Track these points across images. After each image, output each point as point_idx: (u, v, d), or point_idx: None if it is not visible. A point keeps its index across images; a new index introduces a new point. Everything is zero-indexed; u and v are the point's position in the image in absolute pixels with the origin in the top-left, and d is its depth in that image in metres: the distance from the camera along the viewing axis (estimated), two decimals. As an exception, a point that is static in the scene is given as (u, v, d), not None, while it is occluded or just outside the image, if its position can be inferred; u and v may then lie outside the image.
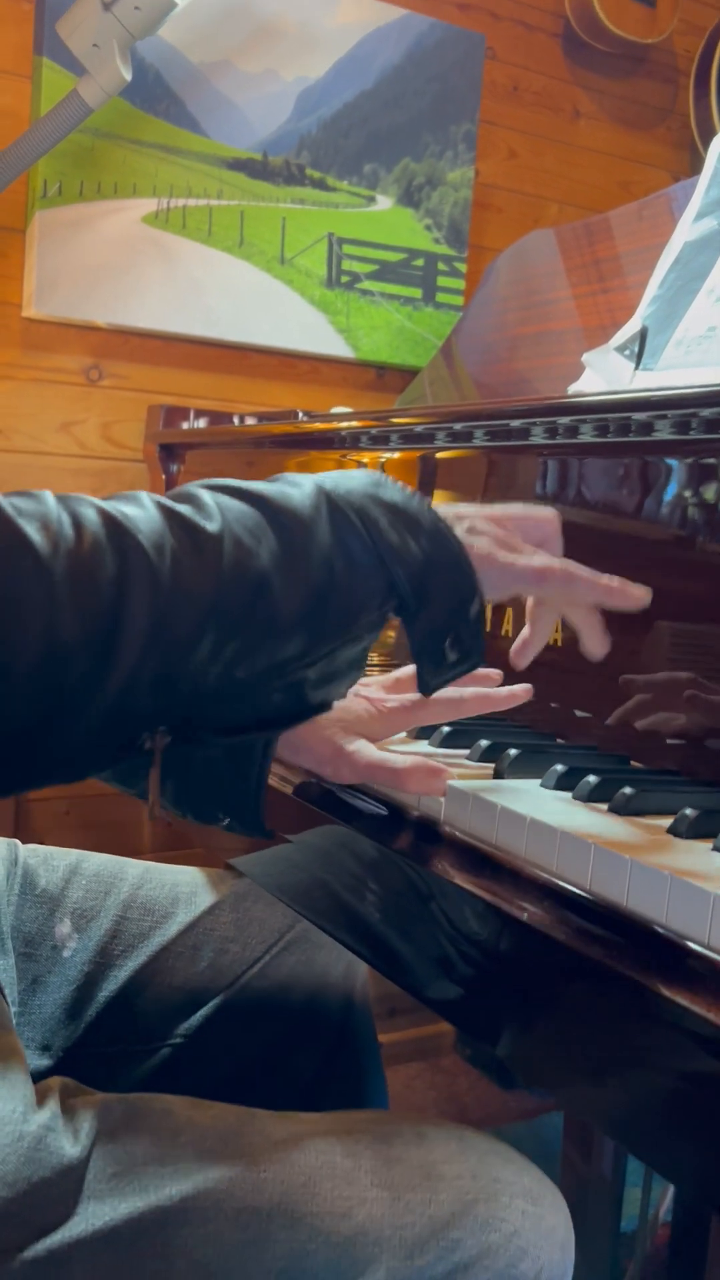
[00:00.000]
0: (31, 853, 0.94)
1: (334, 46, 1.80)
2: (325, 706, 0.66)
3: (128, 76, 1.31)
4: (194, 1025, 0.89)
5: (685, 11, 2.09)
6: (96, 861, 0.95)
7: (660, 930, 0.55)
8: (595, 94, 2.13)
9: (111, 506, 0.56)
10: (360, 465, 1.19)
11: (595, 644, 0.71)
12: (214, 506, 0.59)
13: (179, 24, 1.61)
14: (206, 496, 0.59)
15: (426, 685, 0.67)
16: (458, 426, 1.01)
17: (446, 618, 0.64)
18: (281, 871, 0.87)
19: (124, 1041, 0.88)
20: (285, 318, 1.82)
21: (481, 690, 0.78)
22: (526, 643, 0.73)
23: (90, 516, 0.55)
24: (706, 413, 0.76)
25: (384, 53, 1.84)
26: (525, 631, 0.74)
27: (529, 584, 0.67)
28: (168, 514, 0.57)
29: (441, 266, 1.93)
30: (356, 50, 1.82)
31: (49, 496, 0.55)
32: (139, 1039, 0.89)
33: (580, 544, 0.90)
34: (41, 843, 1.71)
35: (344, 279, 1.85)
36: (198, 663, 0.57)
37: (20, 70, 1.61)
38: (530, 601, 0.73)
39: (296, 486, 0.62)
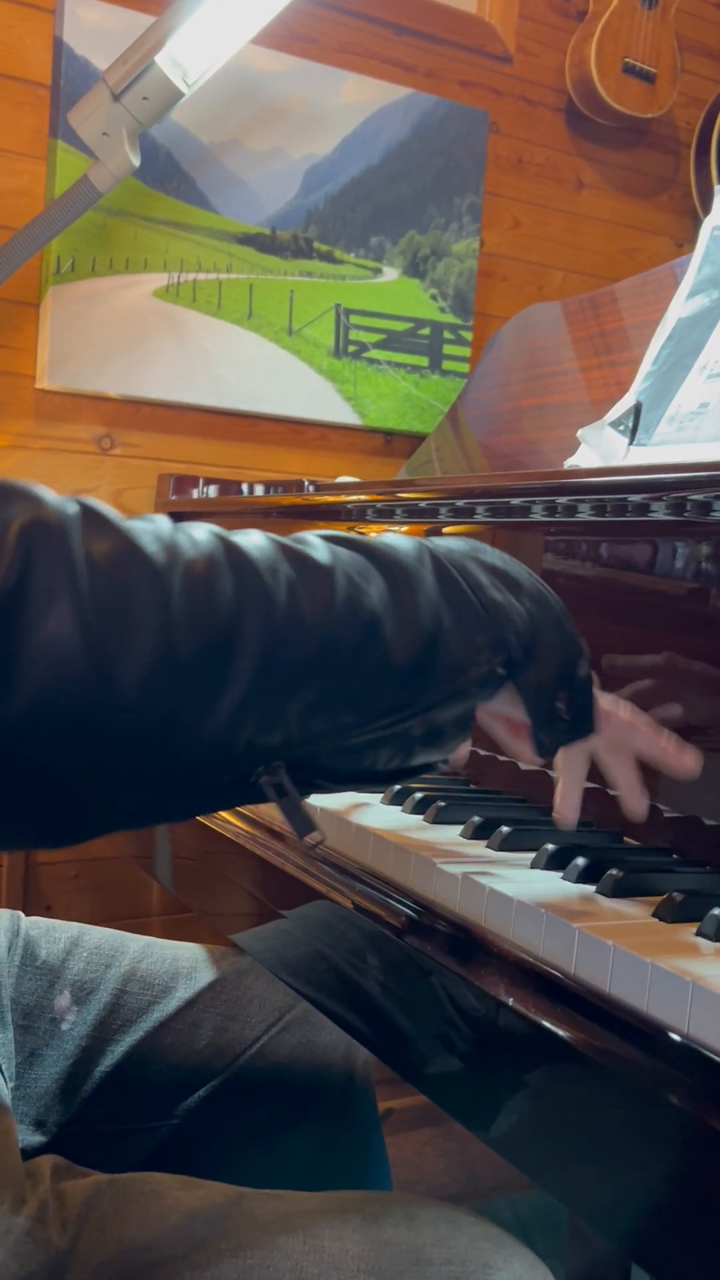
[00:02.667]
0: (33, 924, 0.95)
1: (340, 125, 1.85)
2: (429, 768, 0.64)
3: (136, 162, 1.35)
4: (192, 1105, 0.89)
5: (684, 85, 2.14)
6: (98, 935, 0.96)
7: (639, 1017, 0.56)
8: (598, 165, 2.17)
9: (223, 531, 0.56)
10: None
11: (633, 804, 0.71)
12: (323, 546, 0.59)
13: (188, 105, 1.66)
14: (313, 537, 0.60)
15: (543, 746, 0.66)
16: (460, 503, 1.03)
17: (556, 676, 0.64)
18: (281, 948, 0.87)
19: (121, 1120, 0.88)
20: (293, 387, 1.85)
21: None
22: (564, 794, 0.73)
23: (205, 538, 0.55)
24: (698, 495, 0.78)
25: (389, 130, 1.89)
26: (560, 786, 0.73)
27: (598, 717, 0.68)
28: (279, 545, 0.57)
29: (447, 335, 1.97)
30: (362, 128, 1.87)
31: (161, 518, 0.55)
32: (136, 1118, 0.89)
33: (581, 618, 0.91)
34: (50, 906, 1.72)
35: (351, 348, 1.89)
36: (308, 695, 0.56)
37: (36, 152, 1.67)
38: (563, 752, 0.72)
39: (401, 541, 0.62)
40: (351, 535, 0.61)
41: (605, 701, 0.69)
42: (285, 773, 0.58)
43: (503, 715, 0.70)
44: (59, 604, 0.49)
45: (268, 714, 0.55)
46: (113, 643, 0.50)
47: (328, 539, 0.60)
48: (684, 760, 0.70)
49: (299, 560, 0.57)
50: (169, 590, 0.51)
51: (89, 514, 0.52)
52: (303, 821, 0.60)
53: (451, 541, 0.65)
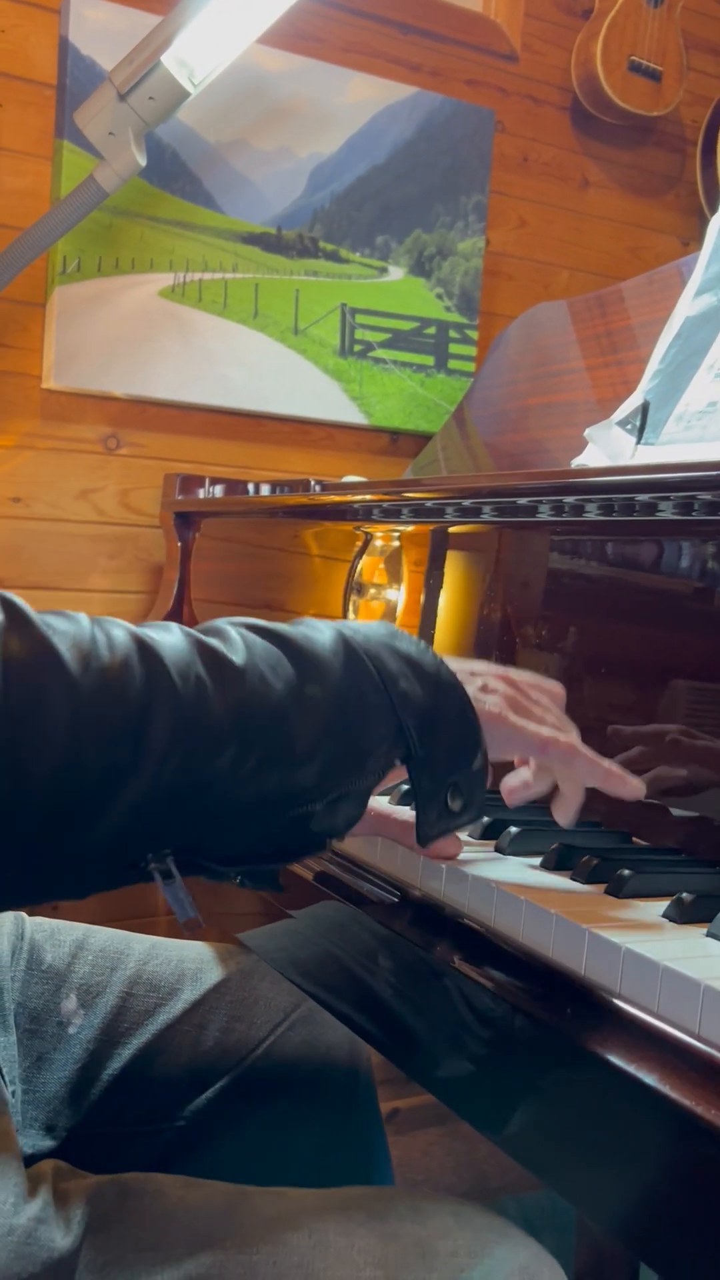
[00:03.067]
0: (38, 927, 0.95)
1: (346, 124, 1.85)
2: (322, 845, 0.67)
3: (142, 162, 1.35)
4: (199, 1106, 0.89)
5: (691, 84, 2.13)
6: (103, 936, 0.96)
7: (648, 1018, 0.56)
8: (604, 163, 2.17)
9: (142, 631, 0.59)
10: (367, 536, 1.21)
11: (565, 815, 0.74)
12: (240, 641, 0.62)
13: (194, 105, 1.66)
14: (233, 632, 0.63)
15: (424, 835, 0.68)
16: (467, 502, 1.03)
17: (449, 768, 0.66)
18: (288, 947, 0.87)
19: (129, 1122, 0.88)
20: (299, 386, 1.85)
21: None
22: (525, 785, 0.75)
23: (121, 638, 0.58)
24: (706, 495, 0.78)
25: (395, 129, 1.89)
26: (525, 775, 0.76)
27: (533, 749, 0.70)
28: (195, 643, 0.60)
29: (453, 334, 1.96)
30: (368, 127, 1.87)
31: (83, 618, 0.58)
32: (144, 1119, 0.89)
33: (587, 617, 0.91)
34: (56, 907, 1.72)
35: (357, 348, 1.89)
36: (210, 786, 0.58)
37: (41, 152, 1.67)
38: (533, 764, 0.75)
39: (318, 631, 0.65)
40: (271, 626, 0.65)
41: (545, 730, 0.70)
42: (172, 858, 0.61)
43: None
44: None
45: (168, 808, 0.58)
46: (24, 743, 0.53)
47: (248, 628, 0.64)
48: (629, 783, 0.72)
49: (212, 659, 0.60)
50: (79, 695, 0.54)
51: (11, 615, 0.55)
52: (185, 906, 0.63)
53: (370, 628, 0.68)
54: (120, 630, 0.58)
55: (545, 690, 0.74)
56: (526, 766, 0.75)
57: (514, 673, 0.74)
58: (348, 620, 0.68)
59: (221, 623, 0.64)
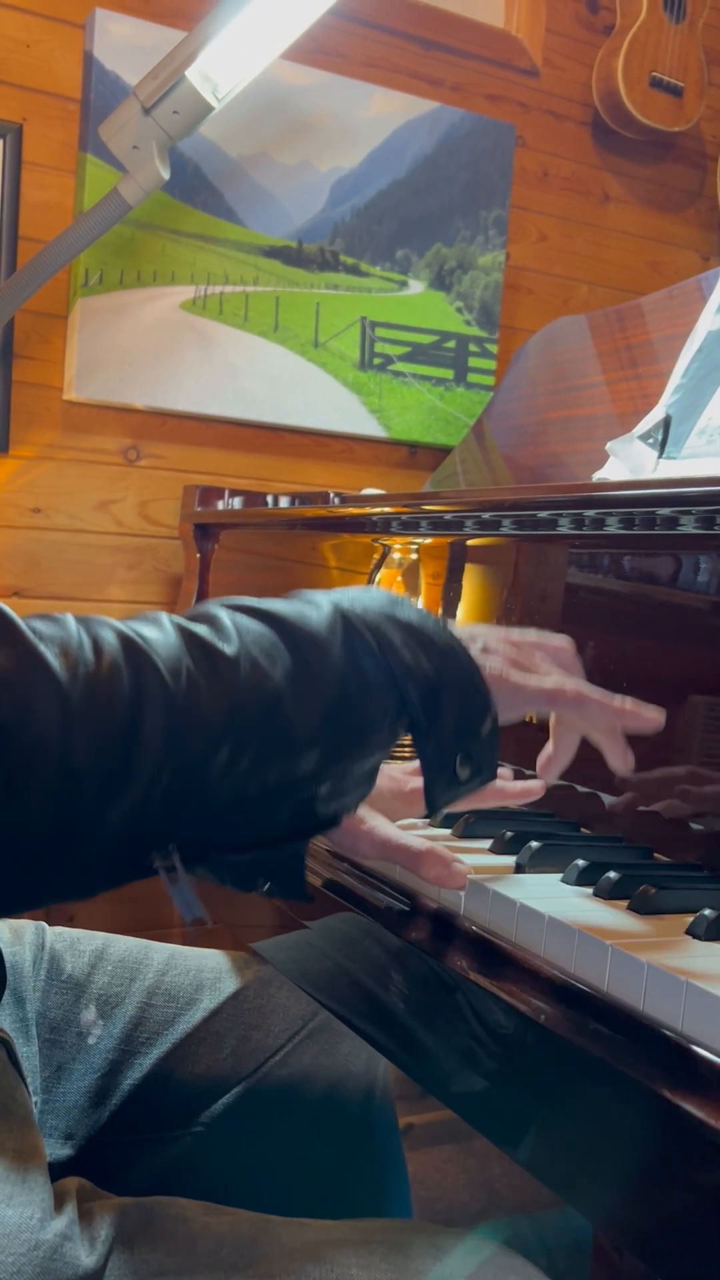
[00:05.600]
0: (58, 936, 0.95)
1: (368, 138, 1.86)
2: (335, 821, 0.65)
3: (166, 176, 1.36)
4: (215, 1113, 0.89)
5: (712, 99, 2.14)
6: (123, 946, 0.96)
7: (671, 1035, 0.55)
8: (624, 178, 2.17)
9: (130, 629, 0.58)
10: (386, 548, 1.21)
11: (617, 761, 0.72)
12: (231, 628, 0.60)
13: (217, 120, 1.67)
14: (225, 618, 0.61)
15: (434, 803, 0.66)
16: (486, 515, 1.03)
17: (458, 735, 0.64)
18: (303, 958, 0.87)
19: (146, 1130, 0.88)
20: (319, 399, 1.85)
21: (498, 785, 0.79)
22: (550, 758, 0.74)
23: (109, 639, 0.56)
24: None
25: (416, 143, 1.89)
26: (549, 747, 0.74)
27: (541, 704, 0.68)
28: (185, 636, 0.58)
29: (473, 348, 1.97)
30: (390, 141, 1.88)
31: (70, 620, 0.57)
32: (161, 1127, 0.88)
33: (606, 631, 0.91)
34: (73, 916, 1.72)
35: (376, 361, 1.89)
36: (210, 782, 0.57)
37: (65, 166, 1.68)
38: (552, 718, 0.74)
39: (315, 606, 0.63)
40: (265, 606, 0.63)
41: (550, 681, 0.68)
42: (178, 853, 0.60)
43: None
44: None
45: (170, 806, 0.57)
46: (18, 755, 0.52)
47: (241, 610, 0.62)
48: (643, 714, 0.70)
49: (204, 650, 0.58)
50: (69, 703, 0.53)
51: None
52: (191, 904, 0.61)
53: (370, 596, 0.66)
54: (108, 631, 0.57)
55: (550, 646, 0.72)
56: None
57: (516, 633, 0.72)
58: (348, 589, 0.66)
59: (213, 606, 0.62)
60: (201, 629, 0.59)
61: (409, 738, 0.65)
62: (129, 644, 0.56)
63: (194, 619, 0.61)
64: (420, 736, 0.64)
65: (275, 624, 0.61)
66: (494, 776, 0.67)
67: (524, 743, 0.86)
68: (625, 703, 0.70)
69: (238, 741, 0.58)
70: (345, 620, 0.63)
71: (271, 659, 0.59)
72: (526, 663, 0.69)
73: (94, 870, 0.58)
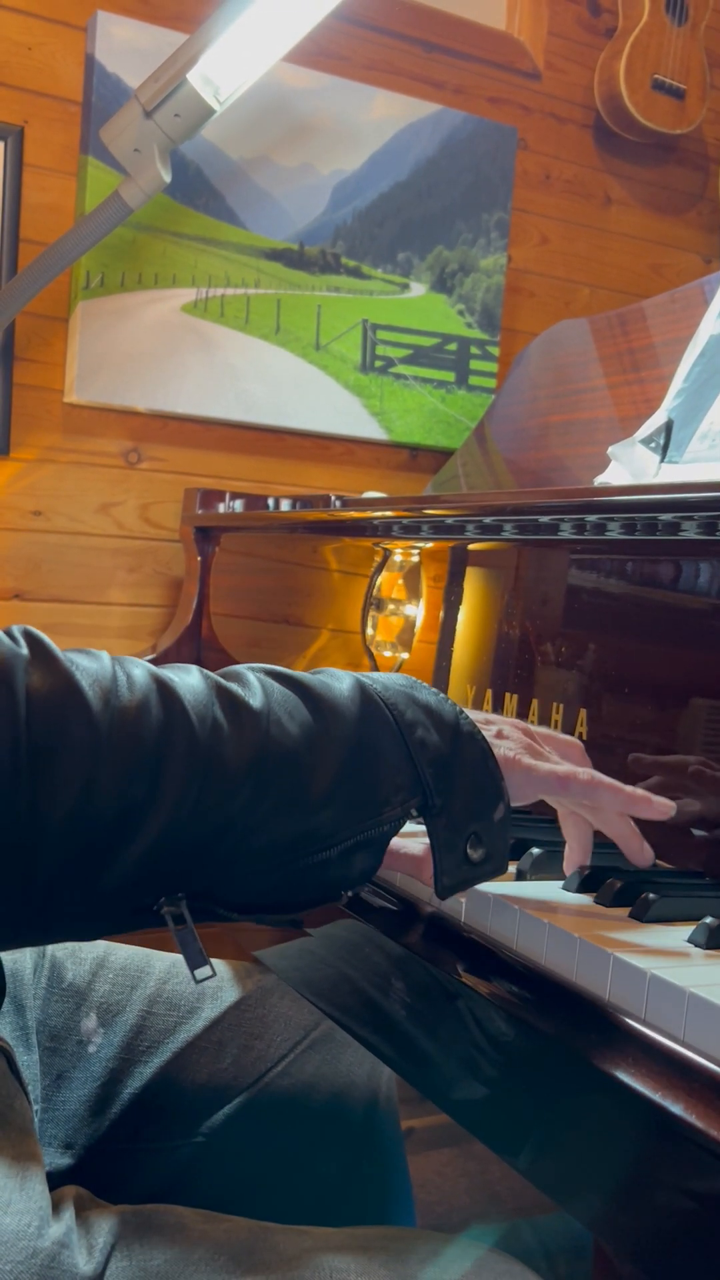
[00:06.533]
0: (59, 945, 0.94)
1: (369, 140, 1.85)
2: (339, 895, 0.66)
3: (167, 179, 1.35)
4: (216, 1123, 0.88)
5: (714, 101, 2.13)
6: (124, 954, 0.95)
7: (673, 1044, 0.55)
8: (626, 181, 2.17)
9: (162, 672, 0.60)
10: (387, 552, 1.21)
11: (634, 852, 0.73)
12: (258, 685, 0.62)
13: (218, 122, 1.67)
14: (252, 677, 0.63)
15: (443, 887, 0.66)
16: (488, 519, 1.02)
17: (468, 816, 0.65)
18: (305, 966, 0.87)
19: (147, 1139, 0.88)
20: (320, 402, 1.85)
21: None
22: (569, 856, 0.75)
23: (141, 678, 0.58)
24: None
25: (418, 146, 1.89)
26: (568, 849, 0.76)
27: (553, 789, 0.70)
28: (214, 686, 0.61)
29: (474, 350, 1.96)
30: (391, 144, 1.87)
31: (105, 656, 0.59)
32: (162, 1136, 0.88)
33: (608, 636, 0.90)
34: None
35: (378, 364, 1.89)
36: (227, 828, 0.59)
37: (67, 169, 1.68)
38: (560, 815, 0.75)
39: (336, 680, 0.65)
40: (290, 673, 0.65)
41: (562, 767, 0.70)
42: (186, 903, 0.60)
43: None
44: None
45: (183, 850, 0.58)
46: (44, 778, 0.54)
47: (267, 674, 0.64)
48: (656, 805, 0.71)
49: (230, 702, 0.60)
50: (99, 734, 0.55)
51: (35, 650, 0.56)
52: (196, 954, 0.62)
53: (390, 677, 0.68)
54: (140, 670, 0.59)
55: (559, 741, 0.74)
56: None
57: (529, 724, 0.74)
58: (369, 673, 0.69)
59: (241, 668, 0.65)
60: (231, 685, 0.62)
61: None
62: (160, 684, 0.58)
63: (225, 676, 0.63)
64: (432, 816, 0.65)
65: (299, 689, 0.63)
66: (505, 866, 0.68)
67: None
68: (636, 790, 0.71)
69: (257, 790, 0.59)
70: (364, 693, 0.65)
71: (293, 718, 0.61)
72: (539, 749, 0.71)
73: (104, 909, 0.59)
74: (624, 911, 0.69)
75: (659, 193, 2.20)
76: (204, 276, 1.75)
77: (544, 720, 0.95)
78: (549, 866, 0.77)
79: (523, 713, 0.98)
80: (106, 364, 1.69)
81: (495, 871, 0.68)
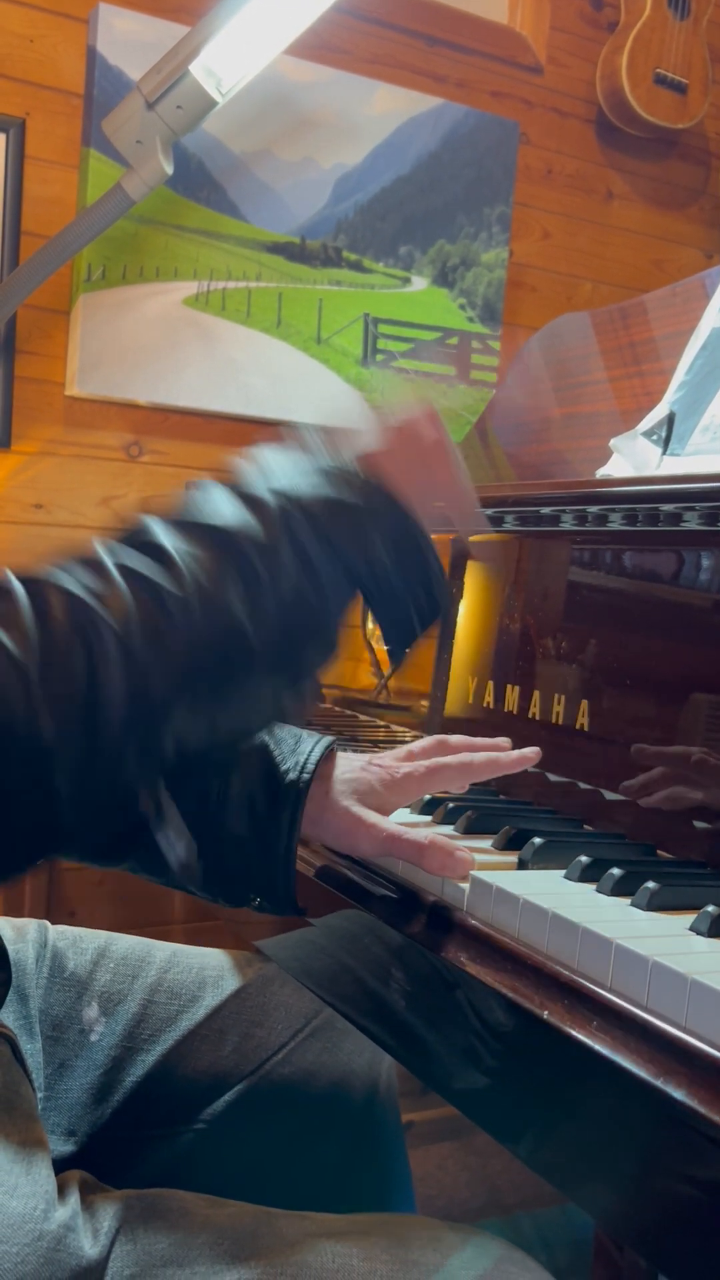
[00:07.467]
0: (60, 935, 0.94)
1: (371, 134, 1.85)
2: (302, 700, 0.69)
3: (169, 170, 1.35)
4: (217, 1110, 0.88)
5: (716, 96, 2.13)
6: (125, 944, 0.95)
7: (675, 1031, 0.55)
8: (628, 176, 2.17)
9: (76, 584, 0.58)
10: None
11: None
12: (176, 558, 0.60)
13: (221, 115, 1.66)
14: (168, 545, 0.61)
15: (400, 644, 0.71)
16: (489, 511, 1.02)
17: (407, 585, 0.69)
18: (306, 956, 0.87)
19: (148, 1127, 0.88)
20: (321, 395, 1.85)
21: (491, 755, 0.79)
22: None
23: (57, 604, 0.57)
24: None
25: (420, 140, 1.89)
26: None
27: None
28: (131, 581, 0.59)
29: (475, 345, 1.96)
30: (393, 138, 1.87)
31: (18, 589, 0.58)
32: (163, 1124, 0.88)
33: (609, 628, 0.90)
34: (74, 912, 1.72)
35: (379, 357, 1.89)
36: (181, 715, 0.60)
37: (69, 161, 1.68)
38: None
39: (256, 505, 0.64)
40: (207, 520, 0.63)
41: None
42: (164, 787, 0.63)
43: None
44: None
45: (145, 748, 0.59)
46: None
47: (181, 529, 0.62)
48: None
49: (153, 595, 0.59)
50: (29, 680, 0.55)
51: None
52: (176, 848, 0.64)
53: (293, 465, 0.68)
54: (56, 594, 0.58)
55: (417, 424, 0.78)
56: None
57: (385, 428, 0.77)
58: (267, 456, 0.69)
59: (153, 532, 0.62)
60: (146, 567, 0.60)
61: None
62: (79, 606, 0.58)
63: (137, 547, 0.61)
64: (375, 599, 0.68)
65: (220, 540, 0.62)
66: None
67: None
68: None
69: (201, 675, 0.60)
70: (285, 515, 0.64)
71: (221, 586, 0.60)
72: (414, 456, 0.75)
73: (86, 824, 0.61)
74: (626, 900, 0.69)
75: (661, 187, 2.20)
76: (205, 270, 1.75)
77: (546, 713, 0.96)
78: (551, 856, 0.77)
79: (524, 705, 0.98)
80: (108, 357, 1.69)
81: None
